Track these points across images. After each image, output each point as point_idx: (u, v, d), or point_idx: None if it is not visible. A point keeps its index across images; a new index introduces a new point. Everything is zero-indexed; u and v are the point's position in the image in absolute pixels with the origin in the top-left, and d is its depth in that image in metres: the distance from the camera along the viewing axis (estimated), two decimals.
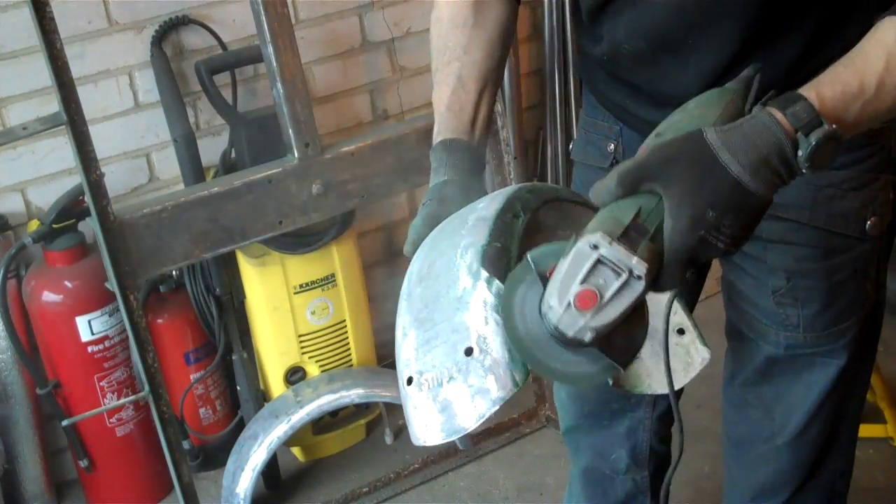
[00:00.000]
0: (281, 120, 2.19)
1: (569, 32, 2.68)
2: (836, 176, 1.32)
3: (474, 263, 0.99)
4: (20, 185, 2.37)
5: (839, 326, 1.43)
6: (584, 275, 0.93)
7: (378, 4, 2.60)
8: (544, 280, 0.97)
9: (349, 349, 2.52)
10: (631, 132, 1.45)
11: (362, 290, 2.52)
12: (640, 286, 0.94)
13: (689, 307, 1.52)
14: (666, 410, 1.68)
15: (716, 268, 1.55)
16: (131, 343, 2.12)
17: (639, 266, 0.93)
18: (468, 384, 0.95)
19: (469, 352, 0.95)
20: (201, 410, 2.51)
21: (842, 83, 1.03)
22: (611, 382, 1.19)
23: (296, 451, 2.63)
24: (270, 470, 2.48)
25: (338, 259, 2.43)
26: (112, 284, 2.03)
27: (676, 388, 1.12)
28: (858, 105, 1.03)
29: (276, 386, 2.47)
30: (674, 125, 1.05)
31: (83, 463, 2.40)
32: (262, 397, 2.49)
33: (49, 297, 2.28)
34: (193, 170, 2.31)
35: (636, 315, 0.97)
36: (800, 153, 0.99)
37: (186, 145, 2.29)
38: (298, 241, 2.35)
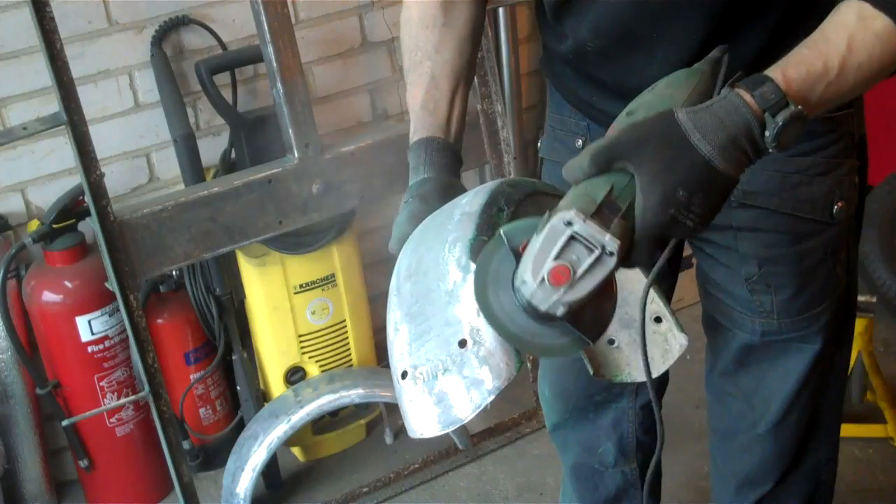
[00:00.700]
0: (281, 120, 2.19)
1: None
2: (802, 162, 1.34)
3: (463, 257, 1.00)
4: (20, 185, 2.37)
5: (812, 311, 1.45)
6: (558, 251, 0.95)
7: (378, 4, 2.60)
8: (517, 255, 0.99)
9: (349, 349, 2.52)
10: (598, 128, 1.45)
11: (362, 290, 2.52)
12: (612, 262, 0.96)
13: (666, 296, 1.54)
14: (649, 400, 1.68)
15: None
16: (131, 343, 2.12)
17: (611, 243, 0.95)
18: (463, 375, 0.96)
19: (463, 344, 0.97)
20: (201, 410, 2.51)
21: (806, 65, 1.05)
22: (592, 372, 1.20)
23: (296, 451, 2.63)
24: (270, 470, 2.48)
25: (338, 259, 2.43)
26: (112, 284, 2.03)
27: (655, 375, 1.14)
28: (822, 86, 1.05)
29: (276, 386, 2.47)
30: (645, 104, 1.06)
31: (83, 463, 2.40)
32: (262, 397, 2.49)
33: (49, 297, 2.28)
34: (193, 170, 2.31)
35: (606, 290, 1.00)
36: (767, 133, 1.01)
37: (186, 145, 2.29)
38: (298, 241, 2.35)
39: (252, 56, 2.32)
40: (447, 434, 2.56)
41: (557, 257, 0.95)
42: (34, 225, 2.30)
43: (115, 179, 2.38)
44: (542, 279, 0.95)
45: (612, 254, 0.96)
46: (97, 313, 2.30)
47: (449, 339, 0.98)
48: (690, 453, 2.40)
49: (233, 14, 2.44)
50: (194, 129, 2.37)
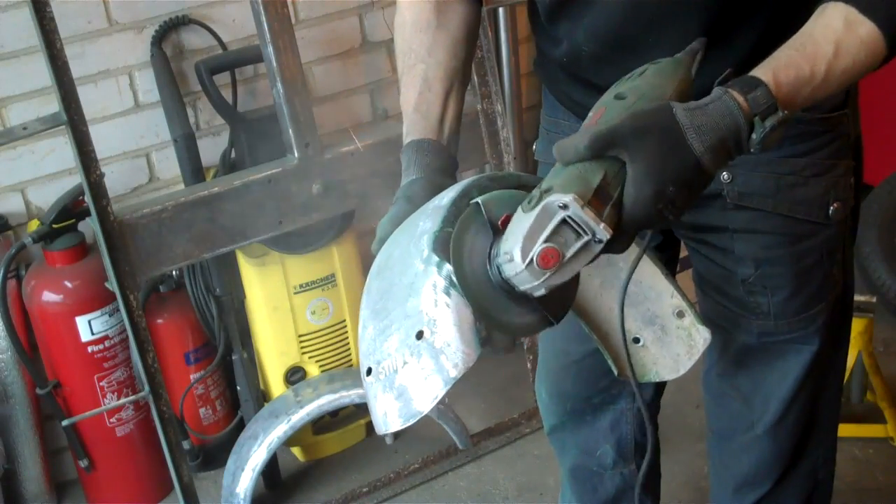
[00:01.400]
0: (281, 120, 2.19)
1: None
2: (797, 163, 1.34)
3: (426, 249, 1.00)
4: (20, 185, 2.37)
5: (809, 312, 1.45)
6: (549, 233, 0.95)
7: (378, 4, 2.60)
8: (494, 227, 0.99)
9: (349, 349, 2.52)
10: None
11: (362, 290, 2.51)
12: (597, 249, 0.97)
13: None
14: (649, 401, 1.70)
15: None
16: (131, 343, 2.12)
17: (603, 232, 0.96)
18: (421, 367, 0.96)
19: (420, 335, 0.97)
20: (201, 410, 2.51)
21: (795, 68, 1.06)
22: (616, 373, 1.19)
23: (296, 451, 2.63)
24: (270, 470, 2.48)
25: (338, 259, 2.43)
26: (112, 284, 2.03)
27: (682, 371, 1.13)
28: (809, 90, 1.08)
29: (276, 386, 2.47)
30: (635, 89, 1.07)
31: (83, 463, 2.40)
32: (262, 397, 2.49)
33: (49, 297, 2.28)
34: (193, 170, 2.31)
35: (577, 275, 1.00)
36: (753, 136, 1.03)
37: (186, 145, 2.29)
38: (298, 241, 2.35)
39: (252, 56, 2.32)
40: (447, 434, 2.58)
41: (547, 240, 0.95)
42: (34, 225, 2.30)
43: (115, 179, 2.38)
44: (532, 260, 0.95)
45: (600, 241, 0.96)
46: (97, 313, 2.30)
47: (409, 331, 0.97)
48: (690, 453, 2.40)
49: (233, 14, 2.44)
50: (194, 129, 2.37)
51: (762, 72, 1.06)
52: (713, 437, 1.68)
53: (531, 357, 2.60)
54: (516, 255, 0.95)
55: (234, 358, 2.45)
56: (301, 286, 2.41)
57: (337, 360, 2.51)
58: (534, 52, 1.52)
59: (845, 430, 2.34)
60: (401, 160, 1.25)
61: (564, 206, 0.95)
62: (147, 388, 2.12)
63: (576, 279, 1.02)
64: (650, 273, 1.21)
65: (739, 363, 1.53)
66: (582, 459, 1.76)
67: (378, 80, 2.68)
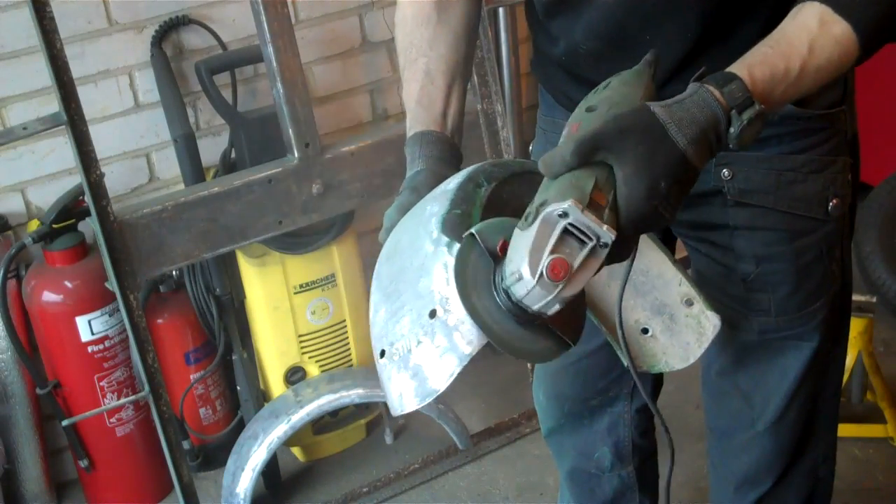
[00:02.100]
0: (281, 120, 2.19)
1: None
2: (796, 160, 1.35)
3: (434, 231, 1.00)
4: (20, 185, 2.37)
5: (809, 308, 1.45)
6: (554, 244, 0.93)
7: (378, 4, 2.60)
8: (493, 255, 0.98)
9: (349, 349, 2.52)
10: None
11: (362, 290, 2.52)
12: (604, 254, 0.96)
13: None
14: (644, 403, 1.69)
15: None
16: (131, 343, 2.12)
17: (608, 234, 0.95)
18: (435, 345, 0.96)
19: (433, 314, 0.96)
20: (201, 410, 2.51)
21: (770, 65, 1.08)
22: (626, 363, 1.19)
23: (296, 451, 2.63)
24: (270, 470, 2.48)
25: (338, 259, 2.43)
26: (112, 284, 2.03)
27: (692, 360, 1.13)
28: (783, 87, 1.09)
29: (276, 386, 2.47)
30: (605, 100, 1.07)
31: (83, 463, 2.40)
32: (262, 397, 2.49)
33: (49, 297, 2.28)
34: (193, 170, 2.31)
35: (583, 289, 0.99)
36: (731, 130, 1.04)
37: (186, 145, 2.29)
38: (298, 241, 2.35)
39: (252, 56, 2.32)
40: (447, 434, 2.57)
41: (553, 250, 0.93)
42: (34, 225, 2.30)
43: (115, 179, 2.38)
44: (541, 274, 0.93)
45: (605, 245, 0.95)
46: (97, 313, 2.30)
47: (421, 311, 0.97)
48: (690, 453, 2.40)
49: (233, 14, 2.44)
50: (194, 129, 2.37)
51: (737, 67, 1.07)
52: (713, 436, 1.68)
53: None
54: (525, 272, 0.93)
55: (234, 358, 2.45)
56: (301, 286, 2.41)
57: (337, 360, 2.51)
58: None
59: (845, 430, 2.34)
60: (405, 152, 1.26)
61: (564, 214, 0.93)
62: (147, 388, 2.12)
63: (582, 296, 1.01)
64: (658, 261, 1.21)
65: (739, 361, 1.53)
66: (580, 462, 1.76)
67: (378, 80, 2.68)
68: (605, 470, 1.74)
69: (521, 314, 0.96)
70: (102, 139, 2.23)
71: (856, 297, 2.30)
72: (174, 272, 2.39)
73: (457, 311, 0.95)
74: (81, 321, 2.29)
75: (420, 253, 1.01)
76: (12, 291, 2.29)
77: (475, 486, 2.49)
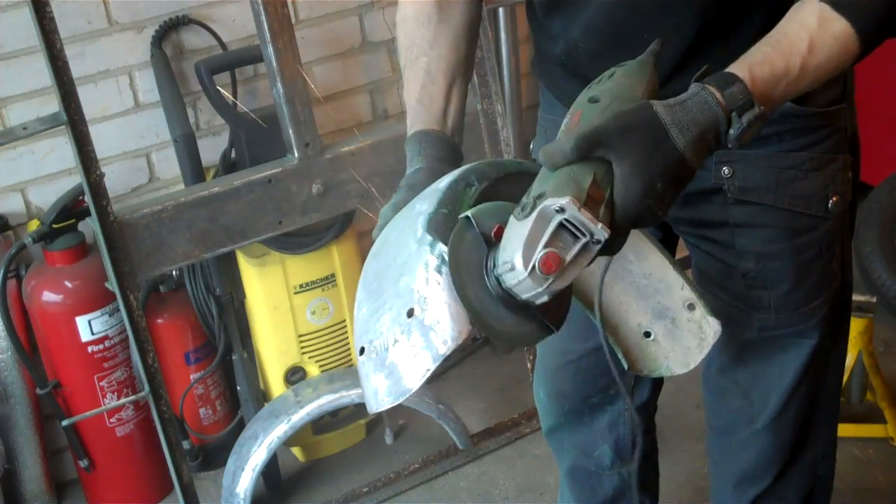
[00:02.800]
0: (281, 120, 2.19)
1: None
2: (797, 157, 1.35)
3: (419, 230, 1.00)
4: (20, 185, 2.37)
5: (809, 305, 1.45)
6: (548, 238, 0.94)
7: (378, 4, 2.60)
8: (487, 239, 0.99)
9: (349, 349, 2.52)
10: None
11: None
12: (595, 250, 0.97)
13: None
14: (646, 401, 1.70)
15: None
16: (131, 343, 2.12)
17: (602, 232, 0.96)
18: (411, 344, 0.96)
19: (411, 313, 0.97)
20: (201, 410, 2.51)
21: (770, 65, 1.08)
22: (626, 367, 1.19)
23: (296, 451, 2.63)
24: (270, 470, 2.48)
25: (338, 259, 2.43)
26: (112, 284, 2.03)
27: (693, 365, 1.13)
28: (783, 86, 1.09)
29: (276, 386, 2.47)
30: (607, 92, 1.08)
31: (83, 463, 2.40)
32: (262, 397, 2.49)
33: (49, 297, 2.28)
34: (193, 170, 2.31)
35: None
36: (731, 131, 1.05)
37: (186, 145, 2.29)
38: (298, 241, 2.35)
39: (252, 56, 2.32)
40: (447, 434, 2.57)
41: (547, 245, 0.95)
42: (34, 225, 2.30)
43: (115, 179, 2.38)
44: (534, 267, 0.95)
45: (598, 242, 0.96)
46: (97, 313, 2.30)
47: (400, 310, 0.98)
48: (690, 453, 2.40)
49: (233, 14, 2.44)
50: (194, 129, 2.37)
51: (738, 68, 1.07)
52: (713, 433, 1.69)
53: (531, 357, 2.60)
54: (517, 263, 0.95)
55: (234, 358, 2.45)
56: (301, 286, 2.41)
57: (337, 360, 2.51)
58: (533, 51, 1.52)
59: (845, 430, 2.34)
60: (406, 151, 1.26)
61: (561, 210, 0.95)
62: (147, 388, 2.12)
63: (569, 286, 1.02)
64: (660, 265, 1.21)
65: (739, 358, 1.54)
66: (580, 460, 1.76)
67: (378, 79, 2.68)
68: (605, 468, 1.75)
69: (509, 300, 0.98)
70: (102, 139, 2.23)
71: (856, 297, 2.29)
72: (174, 272, 2.39)
73: (434, 311, 0.96)
74: (81, 321, 2.29)
75: (404, 251, 1.01)
76: (12, 291, 2.29)
77: (475, 486, 2.49)
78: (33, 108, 2.28)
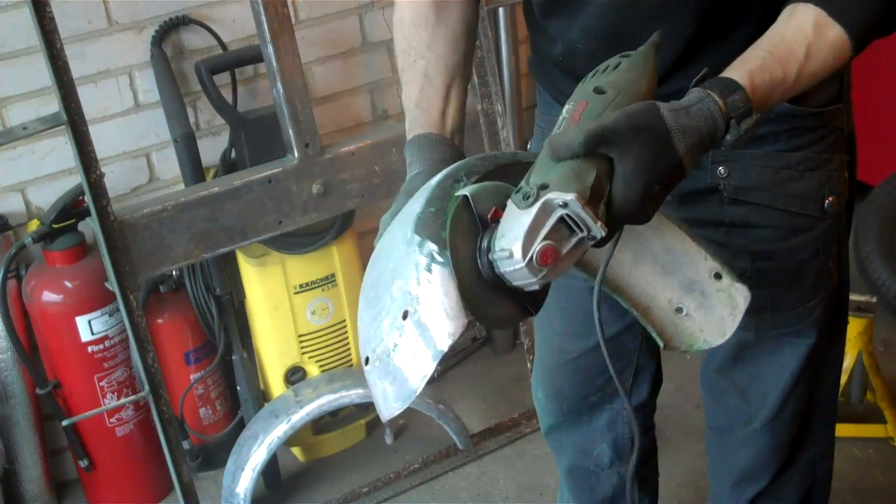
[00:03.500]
0: (281, 120, 2.19)
1: None
2: (793, 157, 1.35)
3: (408, 231, 1.01)
4: (20, 185, 2.37)
5: (805, 305, 1.46)
6: (549, 230, 0.96)
7: (378, 4, 2.60)
8: (483, 220, 1.00)
9: (349, 349, 2.52)
10: None
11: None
12: (587, 245, 0.99)
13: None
14: (644, 400, 1.70)
15: None
16: (131, 343, 2.12)
17: (599, 230, 0.97)
18: (410, 346, 0.97)
19: (406, 315, 0.97)
20: (201, 410, 2.51)
21: (769, 72, 1.10)
22: (662, 346, 1.20)
23: (296, 451, 2.63)
24: (270, 470, 2.48)
25: (338, 259, 2.43)
26: (112, 284, 2.03)
27: (729, 335, 1.14)
28: (780, 92, 1.11)
29: (276, 386, 2.47)
30: (613, 84, 1.08)
31: (83, 463, 2.40)
32: (262, 397, 2.49)
33: (49, 297, 2.28)
34: (193, 170, 2.31)
35: None
36: (728, 137, 1.07)
37: (186, 145, 2.29)
38: (298, 241, 2.35)
39: (252, 56, 2.32)
40: (447, 434, 2.57)
41: (546, 237, 0.96)
42: (34, 225, 2.30)
43: (115, 179, 2.38)
44: (532, 258, 0.96)
45: (593, 239, 0.98)
46: (97, 313, 2.30)
47: (396, 314, 0.98)
48: (690, 453, 2.40)
49: (233, 14, 2.44)
50: (194, 129, 2.37)
51: (738, 74, 1.08)
52: (711, 433, 1.69)
53: (531, 357, 2.60)
54: (516, 252, 0.96)
55: (234, 358, 2.45)
56: (301, 286, 2.41)
57: (337, 360, 2.51)
58: None
59: (845, 430, 2.34)
60: (405, 155, 1.26)
61: (564, 205, 0.96)
62: (147, 388, 2.12)
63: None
64: (679, 239, 1.21)
65: (736, 358, 1.54)
66: (579, 459, 1.76)
67: (378, 80, 2.68)
68: (604, 467, 1.75)
69: (497, 283, 0.99)
70: (102, 139, 2.23)
71: (856, 297, 2.30)
72: (174, 272, 2.39)
73: (427, 310, 0.96)
74: (81, 321, 2.29)
75: (395, 255, 1.02)
76: (12, 291, 2.29)
77: (475, 486, 2.49)
78: (33, 108, 2.28)
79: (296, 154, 2.19)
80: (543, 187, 0.97)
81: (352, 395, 2.39)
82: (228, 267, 2.42)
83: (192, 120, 2.42)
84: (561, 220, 0.96)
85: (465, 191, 1.01)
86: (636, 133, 1.01)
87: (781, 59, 1.10)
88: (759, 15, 1.23)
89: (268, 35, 2.09)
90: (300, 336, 2.45)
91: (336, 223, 2.38)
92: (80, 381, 2.35)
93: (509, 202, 0.99)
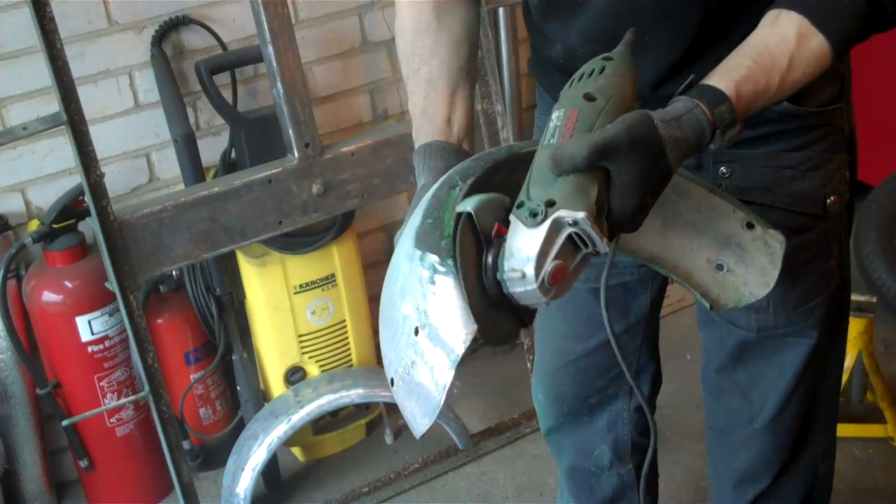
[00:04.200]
0: (281, 120, 2.19)
1: None
2: (794, 157, 1.36)
3: (409, 246, 1.01)
4: (20, 185, 2.37)
5: (807, 305, 1.46)
6: (559, 249, 0.96)
7: (378, 4, 2.60)
8: (486, 238, 0.99)
9: (349, 349, 2.52)
10: None
11: (362, 290, 2.52)
12: (589, 260, 0.99)
13: (658, 296, 1.57)
14: (645, 399, 1.69)
15: None
16: (131, 343, 2.12)
17: (605, 247, 0.98)
18: (426, 360, 0.97)
19: (417, 331, 0.98)
20: (201, 410, 2.51)
21: (754, 82, 1.11)
22: (709, 307, 1.20)
23: (296, 451, 2.64)
24: (270, 470, 2.48)
25: (338, 259, 2.43)
26: (112, 284, 2.03)
27: (773, 284, 1.16)
28: (762, 102, 1.13)
29: (276, 386, 2.47)
30: (602, 90, 1.08)
31: (83, 463, 2.40)
32: (262, 397, 2.49)
33: (49, 297, 2.28)
34: (193, 170, 2.31)
35: None
36: (711, 146, 1.09)
37: (186, 145, 2.29)
38: (298, 241, 2.35)
39: (252, 56, 2.32)
40: (447, 434, 2.57)
41: (556, 256, 0.96)
42: (34, 225, 2.30)
43: (115, 179, 2.38)
44: (543, 279, 0.95)
45: (597, 254, 0.98)
46: (97, 313, 2.30)
47: (409, 332, 0.99)
48: (690, 453, 2.40)
49: (233, 14, 2.44)
50: (194, 129, 2.37)
51: (724, 84, 1.10)
52: (712, 433, 1.69)
53: (531, 357, 2.60)
54: (529, 272, 0.95)
55: (234, 358, 2.45)
56: (301, 286, 2.41)
57: (337, 360, 2.51)
58: None
59: (845, 430, 2.34)
60: (414, 165, 1.27)
61: (574, 223, 0.96)
62: (147, 388, 2.12)
63: None
64: (703, 195, 1.21)
65: (738, 358, 1.54)
66: (579, 460, 1.76)
67: (378, 79, 2.68)
68: (604, 468, 1.75)
69: (501, 300, 0.99)
70: (102, 139, 2.23)
71: (856, 297, 2.30)
72: (174, 272, 2.39)
73: (437, 321, 0.96)
74: (81, 321, 2.29)
75: (401, 273, 1.02)
76: (12, 291, 2.29)
77: (475, 486, 2.49)
78: (33, 108, 2.28)
79: (296, 154, 2.19)
80: (550, 204, 0.96)
81: (352, 395, 2.39)
82: (228, 267, 2.42)
83: (192, 120, 2.42)
84: (569, 237, 0.96)
85: (468, 207, 1.00)
86: (634, 146, 1.01)
87: (765, 68, 1.12)
88: (759, 15, 1.24)
89: (268, 35, 2.09)
90: (300, 336, 2.45)
91: (336, 223, 2.38)
92: (80, 381, 2.35)
93: (513, 218, 0.98)
